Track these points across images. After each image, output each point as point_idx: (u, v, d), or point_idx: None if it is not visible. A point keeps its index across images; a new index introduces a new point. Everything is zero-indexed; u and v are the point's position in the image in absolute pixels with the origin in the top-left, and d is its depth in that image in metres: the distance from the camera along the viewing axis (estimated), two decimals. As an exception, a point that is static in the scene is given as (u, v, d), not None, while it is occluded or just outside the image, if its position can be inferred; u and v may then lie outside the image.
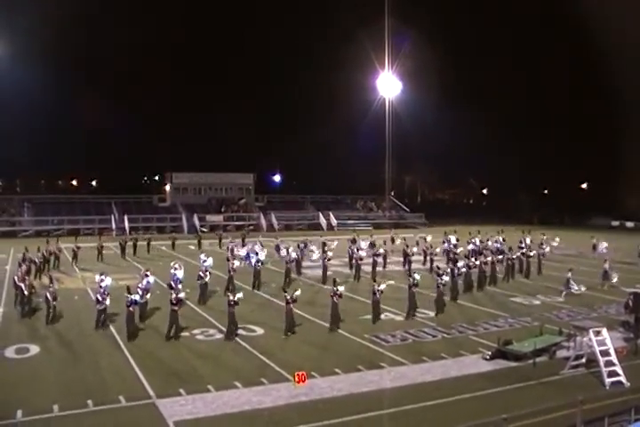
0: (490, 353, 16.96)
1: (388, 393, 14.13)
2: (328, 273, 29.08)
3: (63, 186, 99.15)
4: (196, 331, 19.52)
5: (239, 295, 19.10)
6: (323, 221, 63.42)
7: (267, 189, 78.54)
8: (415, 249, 34.36)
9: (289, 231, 58.18)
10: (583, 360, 15.79)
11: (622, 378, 14.74)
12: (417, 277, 22.21)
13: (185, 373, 15.50)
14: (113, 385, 14.55)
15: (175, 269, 24.49)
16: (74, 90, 69.83)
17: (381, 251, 32.73)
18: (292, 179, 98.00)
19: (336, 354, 17.27)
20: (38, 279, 27.52)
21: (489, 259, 28.54)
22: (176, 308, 18.75)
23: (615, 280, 27.52)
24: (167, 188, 67.46)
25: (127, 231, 51.06)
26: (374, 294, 20.79)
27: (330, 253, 30.27)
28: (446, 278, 23.42)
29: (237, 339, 18.64)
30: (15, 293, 23.19)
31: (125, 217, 53.87)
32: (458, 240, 37.22)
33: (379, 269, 31.00)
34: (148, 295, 20.83)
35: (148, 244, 40.22)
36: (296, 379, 14.59)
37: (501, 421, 10.27)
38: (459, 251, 33.40)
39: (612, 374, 14.81)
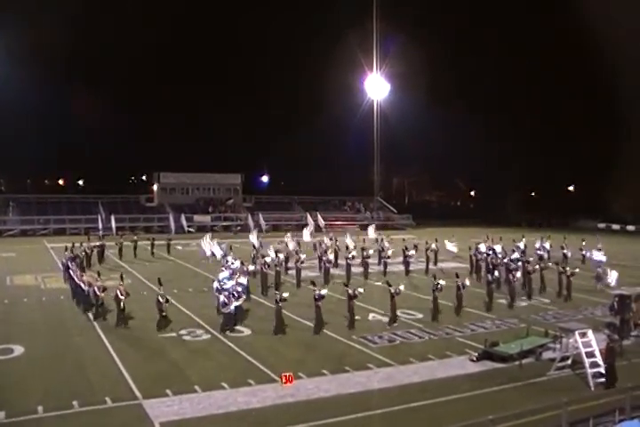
0: (476, 354, 17.01)
1: (375, 394, 14.14)
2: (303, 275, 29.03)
3: (49, 185, 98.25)
4: (182, 331, 19.44)
5: (285, 295, 19.86)
6: (310, 221, 63.28)
7: (254, 190, 78.31)
8: (413, 252, 33.50)
9: (277, 232, 58.04)
10: (569, 362, 15.89)
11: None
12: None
13: (171, 373, 15.44)
14: (99, 386, 14.46)
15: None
16: (61, 89, 69.38)
17: (354, 253, 32.06)
18: (280, 179, 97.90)
19: (323, 355, 17.27)
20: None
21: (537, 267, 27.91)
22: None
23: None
24: (155, 188, 67.12)
25: (114, 231, 50.57)
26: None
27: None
28: (497, 274, 24.57)
29: (224, 340, 18.61)
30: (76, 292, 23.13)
31: (112, 217, 53.52)
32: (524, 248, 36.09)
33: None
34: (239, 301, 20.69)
35: (152, 245, 38.61)
36: (283, 380, 14.59)
37: (487, 422, 10.31)
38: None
39: (598, 375, 14.93)
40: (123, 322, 20.09)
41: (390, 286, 21.30)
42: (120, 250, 36.95)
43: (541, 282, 27.18)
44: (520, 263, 28.43)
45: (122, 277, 21.83)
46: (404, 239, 39.64)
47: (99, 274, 22.76)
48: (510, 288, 24.73)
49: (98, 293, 21.02)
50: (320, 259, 31.69)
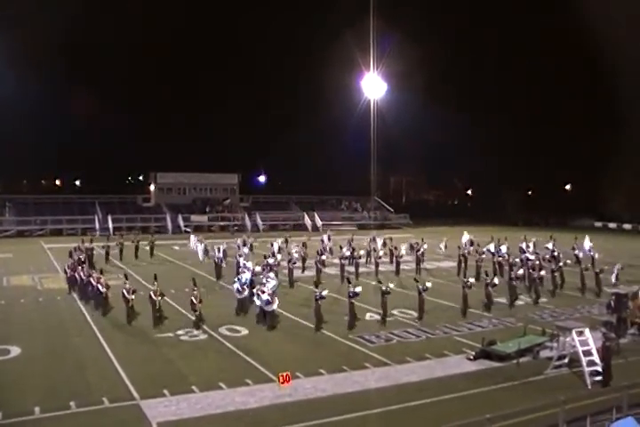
0: (474, 353, 17.03)
1: (373, 394, 14.15)
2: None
3: (46, 186, 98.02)
4: (180, 331, 19.41)
5: (324, 292, 20.19)
6: (308, 221, 63.38)
7: (251, 190, 78.23)
8: (403, 251, 33.65)
9: (275, 232, 58.03)
10: (566, 360, 15.91)
11: (604, 378, 14.86)
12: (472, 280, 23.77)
13: (169, 374, 15.42)
14: (96, 386, 14.43)
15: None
16: (58, 89, 69.13)
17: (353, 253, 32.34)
18: (277, 179, 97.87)
19: (321, 354, 17.27)
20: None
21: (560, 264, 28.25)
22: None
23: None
24: (151, 188, 67.10)
25: (111, 232, 50.44)
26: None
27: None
28: (520, 272, 25.31)
29: (222, 340, 18.59)
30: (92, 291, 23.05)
31: (109, 217, 53.44)
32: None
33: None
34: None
35: (137, 248, 37.47)
36: (280, 380, 14.54)
37: (485, 421, 10.32)
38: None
39: (595, 373, 14.94)
40: (159, 322, 20.17)
41: (417, 282, 21.91)
42: (107, 253, 35.80)
43: (561, 280, 27.44)
44: (537, 262, 28.58)
45: (155, 278, 21.73)
46: (391, 238, 39.59)
47: (126, 277, 22.57)
48: (535, 286, 25.09)
49: (127, 295, 20.69)
50: (304, 259, 32.29)
